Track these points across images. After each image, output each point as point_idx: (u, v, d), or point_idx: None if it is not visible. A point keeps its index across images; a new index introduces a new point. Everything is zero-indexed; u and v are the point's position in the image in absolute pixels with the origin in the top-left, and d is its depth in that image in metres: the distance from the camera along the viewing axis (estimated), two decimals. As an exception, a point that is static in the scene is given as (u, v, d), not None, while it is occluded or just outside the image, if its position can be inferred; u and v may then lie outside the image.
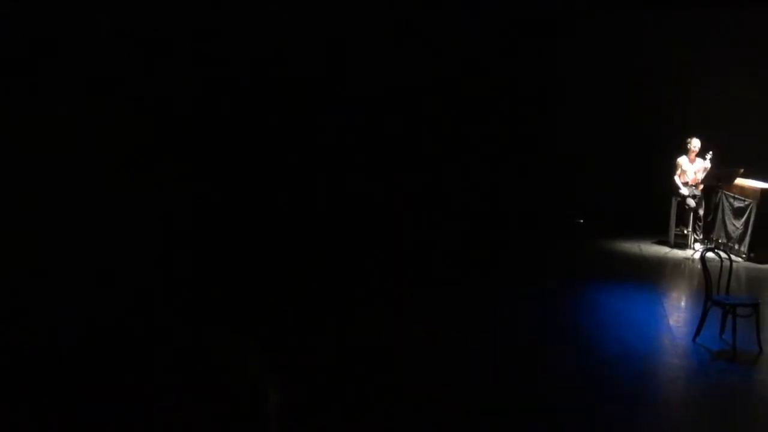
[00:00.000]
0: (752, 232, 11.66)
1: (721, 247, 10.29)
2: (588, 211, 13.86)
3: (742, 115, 13.22)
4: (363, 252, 10.98)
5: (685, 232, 12.46)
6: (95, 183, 8.49)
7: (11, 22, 7.92)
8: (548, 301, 9.38)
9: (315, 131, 12.07)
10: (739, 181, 12.06)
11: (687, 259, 11.83)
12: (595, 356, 7.64)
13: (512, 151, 13.76)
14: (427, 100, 13.05)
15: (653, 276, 10.91)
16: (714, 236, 12.41)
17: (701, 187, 12.24)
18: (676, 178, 12.37)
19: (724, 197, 12.34)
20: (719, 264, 8.04)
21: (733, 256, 9.01)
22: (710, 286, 7.99)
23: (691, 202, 12.21)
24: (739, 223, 11.94)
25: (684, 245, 12.36)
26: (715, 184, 12.25)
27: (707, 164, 12.07)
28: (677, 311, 9.27)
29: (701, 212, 12.33)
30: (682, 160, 12.35)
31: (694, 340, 8.00)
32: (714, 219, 12.49)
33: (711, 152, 11.99)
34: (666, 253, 12.22)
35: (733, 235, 12.07)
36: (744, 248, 11.75)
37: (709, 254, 8.34)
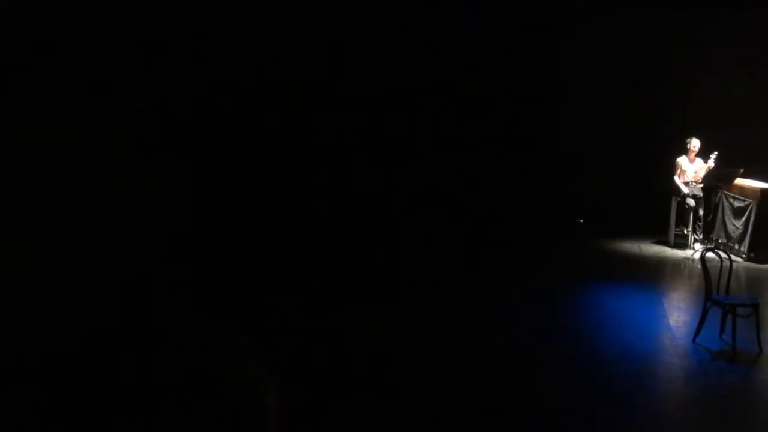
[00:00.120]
0: (752, 232, 11.66)
1: (721, 247, 10.29)
2: (588, 211, 13.86)
3: (742, 115, 13.22)
4: (363, 252, 10.97)
5: (685, 232, 12.46)
6: (95, 183, 8.49)
7: (11, 22, 7.92)
8: (548, 301, 9.38)
9: (315, 131, 12.06)
10: (739, 181, 12.07)
11: (687, 259, 11.83)
12: (595, 356, 7.64)
13: (512, 151, 13.76)
14: (427, 100, 13.05)
15: (653, 276, 10.91)
16: (714, 236, 12.41)
17: (701, 183, 12.22)
18: (676, 178, 12.37)
19: (724, 197, 12.35)
20: (719, 264, 8.04)
21: (733, 256, 9.01)
22: (710, 286, 7.99)
23: (691, 202, 12.21)
24: (739, 223, 11.94)
25: (684, 245, 12.36)
26: (715, 184, 12.25)
27: (711, 163, 12.07)
28: (677, 311, 9.27)
29: (701, 212, 12.33)
30: (682, 160, 12.36)
31: (693, 340, 8.00)
32: (714, 219, 12.49)
33: (716, 152, 11.99)
34: (666, 253, 12.23)
35: (733, 235, 12.07)
36: (744, 248, 11.75)
37: (709, 254, 8.34)
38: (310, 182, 11.92)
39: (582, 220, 13.96)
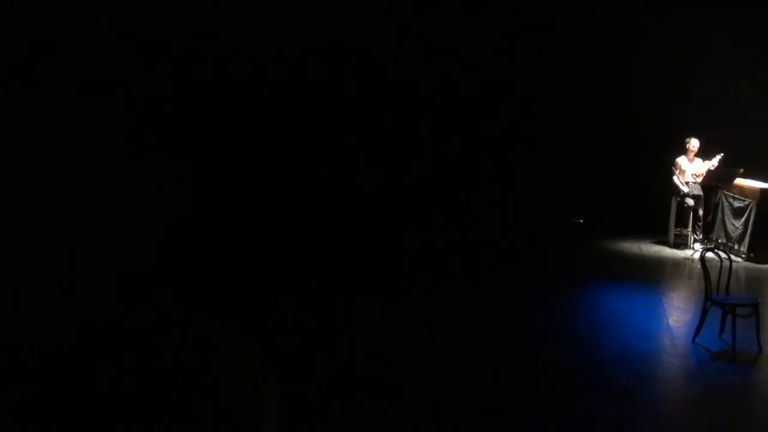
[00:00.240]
0: (752, 232, 11.67)
1: (721, 247, 10.29)
2: (588, 211, 13.86)
3: (742, 115, 13.22)
4: (363, 252, 10.97)
5: (684, 232, 12.46)
6: (95, 183, 8.49)
7: (11, 22, 7.92)
8: (548, 301, 9.38)
9: (315, 130, 12.06)
10: (739, 181, 12.07)
11: (687, 259, 11.83)
12: (595, 356, 7.64)
13: (512, 151, 13.76)
14: (427, 99, 13.06)
15: (653, 276, 10.91)
16: (714, 236, 12.41)
17: (703, 175, 12.21)
18: (675, 178, 12.38)
19: (723, 197, 12.35)
20: (719, 264, 8.04)
21: (732, 256, 9.01)
22: (710, 286, 7.99)
23: (690, 202, 12.22)
24: (739, 223, 11.94)
25: (684, 245, 12.36)
26: (714, 184, 12.26)
27: (715, 162, 12.06)
28: (677, 311, 9.27)
29: (701, 212, 12.34)
30: (681, 160, 12.37)
31: (693, 340, 8.00)
32: (714, 219, 12.49)
33: (722, 154, 11.98)
34: (666, 253, 12.23)
35: (732, 235, 12.07)
36: (744, 248, 11.75)
37: (709, 254, 8.34)
38: (309, 182, 11.92)
39: (582, 220, 13.97)
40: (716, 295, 8.00)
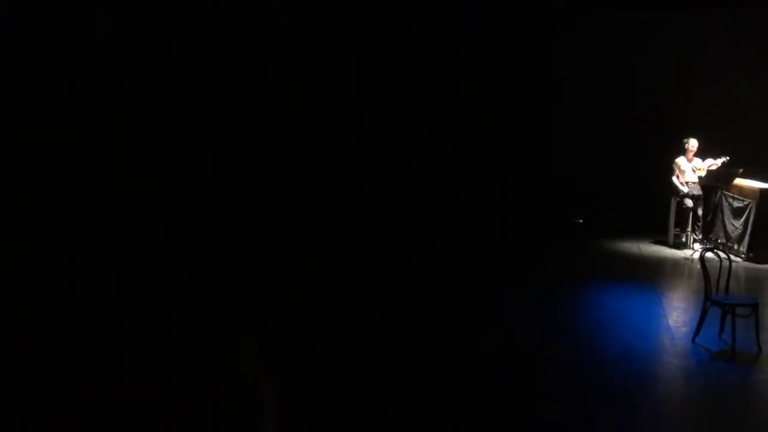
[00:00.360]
0: (751, 232, 11.67)
1: (721, 247, 10.30)
2: (588, 211, 13.87)
3: (742, 115, 13.23)
4: (363, 252, 10.98)
5: (683, 239, 12.44)
6: (95, 183, 8.49)
7: (11, 22, 7.92)
8: (548, 301, 9.38)
9: (314, 131, 12.07)
10: (739, 181, 12.07)
11: (686, 259, 11.84)
12: (595, 356, 7.65)
13: (512, 150, 13.76)
14: (427, 99, 13.05)
15: (653, 276, 10.92)
16: (713, 236, 12.41)
17: (704, 170, 12.21)
18: (675, 178, 12.38)
19: (723, 197, 12.36)
20: (718, 264, 8.04)
21: (732, 256, 9.02)
22: (709, 286, 8.00)
23: (689, 203, 12.23)
24: (739, 223, 11.95)
25: (683, 245, 12.37)
26: (714, 184, 12.26)
27: (718, 162, 12.07)
28: (676, 311, 9.28)
29: (700, 212, 12.35)
30: (680, 161, 12.37)
31: (693, 340, 8.00)
32: (713, 219, 12.50)
33: (727, 158, 11.98)
34: (665, 253, 12.24)
35: (732, 235, 12.08)
36: (743, 248, 11.76)
37: (709, 254, 8.34)
38: (309, 181, 11.92)
39: (582, 220, 13.97)
40: (716, 295, 8.01)
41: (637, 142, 13.61)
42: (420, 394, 6.58)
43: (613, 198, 13.49)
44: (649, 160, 13.16)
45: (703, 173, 12.25)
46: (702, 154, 12.35)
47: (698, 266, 8.67)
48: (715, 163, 12.12)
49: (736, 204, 12.06)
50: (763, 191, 11.65)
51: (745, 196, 11.90)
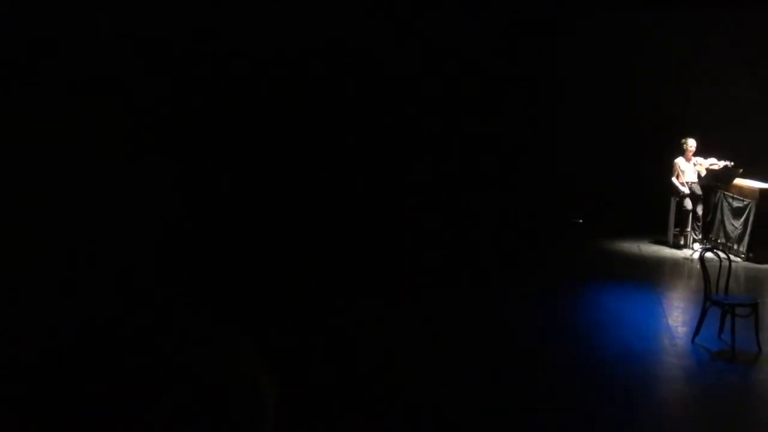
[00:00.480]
0: (751, 232, 11.67)
1: (720, 247, 10.29)
2: (588, 211, 13.87)
3: (742, 115, 13.22)
4: (363, 252, 10.98)
5: (682, 242, 12.45)
6: (95, 183, 8.49)
7: (11, 22, 7.92)
8: (548, 301, 9.38)
9: (314, 131, 12.07)
10: (738, 181, 12.07)
11: (686, 259, 11.84)
12: (595, 356, 7.65)
13: (512, 150, 13.76)
14: (427, 99, 13.06)
15: (652, 276, 10.92)
16: (713, 236, 12.41)
17: (705, 167, 12.21)
18: (674, 179, 12.38)
19: (723, 197, 12.35)
20: (718, 264, 8.04)
21: (732, 256, 9.01)
22: (709, 286, 7.99)
23: (688, 205, 12.24)
24: (738, 223, 11.94)
25: (683, 245, 12.37)
26: (714, 184, 12.26)
27: (721, 163, 12.07)
28: (676, 311, 9.28)
29: (700, 212, 12.35)
30: (679, 161, 12.38)
31: (693, 340, 8.00)
32: (713, 219, 12.50)
33: (732, 163, 11.98)
34: (665, 253, 12.24)
35: (732, 235, 12.08)
36: (743, 248, 11.76)
37: (708, 254, 8.34)
38: (310, 181, 11.92)
39: (582, 220, 13.97)
40: (715, 295, 8.01)
41: (637, 142, 13.61)
42: (420, 394, 6.58)
43: (613, 198, 13.48)
44: (649, 160, 13.16)
45: (702, 169, 12.25)
46: (702, 154, 12.35)
47: (698, 266, 8.67)
48: (717, 164, 12.12)
49: (735, 204, 12.06)
50: (763, 191, 11.65)
51: (745, 196, 11.89)
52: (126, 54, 9.05)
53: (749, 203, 11.76)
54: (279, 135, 11.66)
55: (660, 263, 11.75)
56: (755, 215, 11.59)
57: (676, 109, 13.63)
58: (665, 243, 12.59)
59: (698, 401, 6.91)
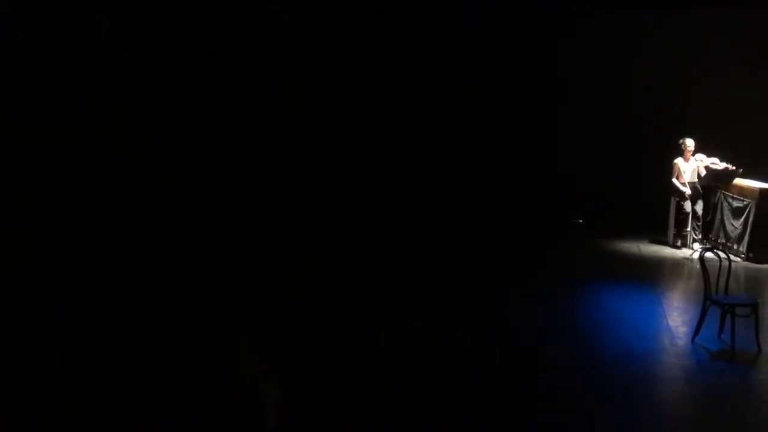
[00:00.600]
0: (751, 231, 11.67)
1: (720, 247, 10.29)
2: (588, 211, 13.87)
3: (742, 115, 13.22)
4: (362, 252, 10.98)
5: (678, 242, 12.45)
6: (95, 183, 8.49)
7: (11, 22, 7.92)
8: (548, 301, 9.38)
9: (314, 131, 12.07)
10: (738, 181, 12.07)
11: (686, 259, 11.84)
12: (595, 356, 7.65)
13: (512, 150, 13.76)
14: (427, 99, 13.06)
15: (652, 276, 10.92)
16: (713, 236, 12.41)
17: (705, 166, 12.21)
18: (675, 180, 12.38)
19: (723, 197, 12.35)
20: (718, 264, 8.04)
21: (731, 256, 9.01)
22: (709, 285, 7.99)
23: (688, 207, 12.25)
24: (738, 223, 11.95)
25: (683, 245, 12.37)
26: (713, 184, 12.26)
27: (720, 165, 12.08)
28: (676, 311, 9.28)
29: (700, 212, 12.35)
30: (679, 162, 12.38)
31: (693, 340, 8.00)
32: (713, 219, 12.50)
33: (733, 167, 11.98)
34: (665, 253, 12.24)
35: (732, 235, 12.08)
36: (743, 248, 11.76)
37: (708, 254, 8.34)
38: (310, 181, 11.92)
39: (582, 220, 13.97)
40: (715, 295, 8.01)
41: (637, 142, 13.61)
42: (420, 394, 6.58)
43: (613, 198, 13.48)
44: (649, 160, 13.15)
45: (702, 166, 12.24)
46: (703, 153, 12.35)
47: (698, 266, 8.67)
48: (717, 164, 12.12)
49: (735, 204, 12.06)
50: (763, 191, 11.65)
51: (745, 196, 11.89)
52: (126, 54, 9.05)
53: (749, 203, 11.76)
54: (279, 135, 11.66)
55: (660, 263, 11.75)
56: (755, 215, 11.59)
57: (676, 109, 13.63)
58: (665, 243, 12.59)
59: (698, 401, 6.91)
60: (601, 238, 12.97)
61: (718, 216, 12.41)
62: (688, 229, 12.35)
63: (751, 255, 11.62)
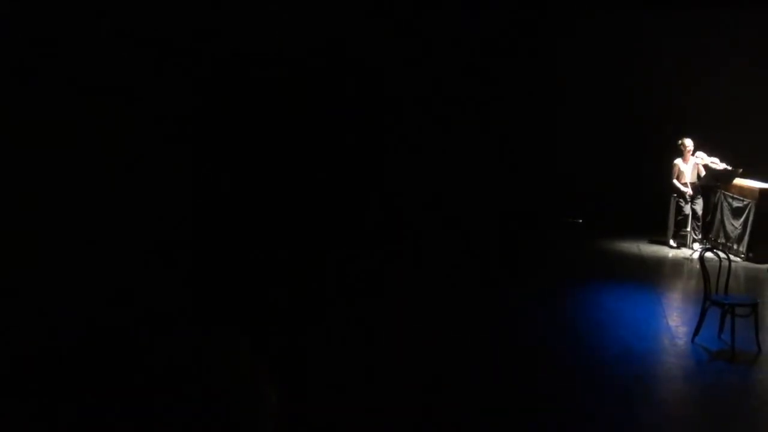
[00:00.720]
0: (751, 231, 11.67)
1: (720, 247, 10.30)
2: (588, 211, 13.87)
3: (741, 115, 13.23)
4: (362, 252, 10.98)
5: (674, 243, 12.45)
6: (95, 183, 8.49)
7: (11, 22, 7.92)
8: (548, 301, 9.38)
9: (315, 131, 12.07)
10: (738, 181, 12.08)
11: (686, 259, 11.84)
12: (595, 356, 7.65)
13: (512, 151, 13.77)
14: (427, 99, 13.06)
15: (652, 276, 10.92)
16: (713, 236, 12.42)
17: (705, 165, 12.21)
18: (675, 181, 12.38)
19: (723, 197, 12.36)
20: (718, 264, 8.05)
21: (731, 256, 9.02)
22: (709, 285, 8.00)
23: (687, 209, 12.25)
24: (738, 223, 11.95)
25: (683, 245, 12.38)
26: (713, 184, 12.26)
27: (720, 166, 12.08)
28: (676, 311, 9.28)
29: (700, 212, 12.35)
30: (679, 162, 12.38)
31: (693, 339, 8.00)
32: (713, 219, 12.50)
33: (732, 168, 11.98)
34: (665, 253, 12.25)
35: (731, 234, 12.08)
36: (743, 248, 11.76)
37: (708, 254, 8.34)
38: (310, 182, 11.92)
39: (582, 220, 13.97)
40: (715, 295, 8.01)
41: (637, 142, 13.61)
42: (420, 394, 6.58)
43: (613, 198, 13.49)
44: (649, 160, 13.16)
45: (702, 164, 12.24)
46: (702, 152, 12.35)
47: (698, 266, 8.67)
48: (716, 164, 12.13)
49: (735, 204, 12.06)
50: (762, 191, 11.65)
51: (745, 196, 11.90)
52: (126, 54, 9.05)
53: (749, 203, 11.76)
54: (279, 135, 11.66)
55: (660, 263, 11.75)
56: (755, 215, 11.60)
57: (676, 109, 13.63)
58: (665, 243, 12.59)
59: (698, 401, 6.91)
60: (601, 238, 12.97)
61: (718, 216, 12.41)
62: (688, 229, 12.35)
63: (751, 255, 11.62)
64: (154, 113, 9.49)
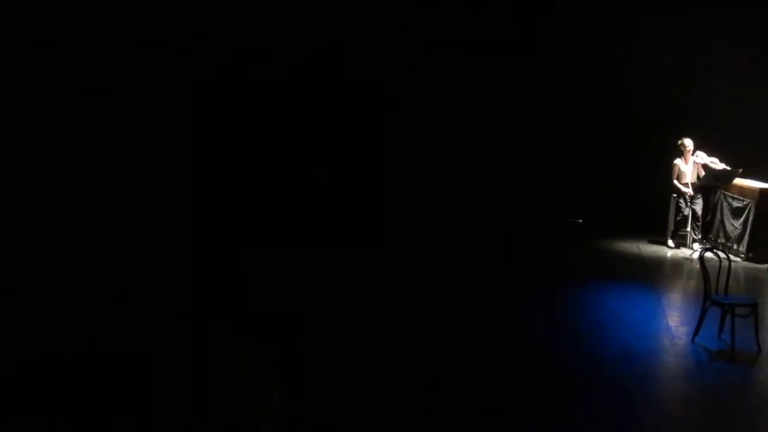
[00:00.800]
0: (751, 231, 11.67)
1: (720, 247, 10.30)
2: (588, 211, 13.87)
3: (741, 114, 13.23)
4: (363, 252, 10.97)
5: (672, 243, 12.45)
6: (95, 183, 8.49)
7: (11, 22, 7.92)
8: (548, 301, 9.39)
9: (314, 131, 12.07)
10: (738, 181, 12.07)
11: (686, 259, 11.84)
12: (595, 356, 7.65)
13: (512, 151, 13.76)
14: (427, 99, 13.06)
15: (652, 276, 10.92)
16: (713, 236, 12.42)
17: (704, 164, 12.22)
18: (676, 181, 12.38)
19: (722, 197, 12.36)
20: (718, 264, 8.05)
21: (731, 256, 9.02)
22: (709, 285, 8.00)
23: (686, 211, 12.25)
24: (738, 223, 11.95)
25: (682, 245, 12.38)
26: (713, 184, 12.26)
27: (720, 166, 12.08)
28: (676, 311, 9.28)
29: (699, 212, 12.35)
30: (679, 163, 12.37)
31: (693, 339, 8.00)
32: (713, 219, 12.50)
33: (730, 168, 11.99)
34: (665, 253, 12.25)
35: (731, 234, 12.08)
36: (743, 248, 11.76)
37: (708, 254, 8.34)
38: (310, 182, 11.92)
39: (582, 220, 13.97)
40: (715, 295, 8.01)
41: (637, 142, 13.61)
42: (420, 394, 6.58)
43: (613, 198, 13.49)
44: (649, 160, 13.16)
45: (702, 163, 12.25)
46: (702, 152, 12.35)
47: (698, 266, 8.67)
48: (716, 164, 12.13)
49: (735, 204, 12.06)
50: (762, 191, 11.65)
51: (745, 196, 11.90)
52: (126, 54, 9.05)
53: (749, 203, 11.76)
54: (279, 134, 11.66)
55: (660, 263, 11.75)
56: (755, 215, 11.60)
57: (676, 109, 13.63)
58: (665, 243, 12.59)
59: (698, 401, 6.91)
60: (601, 238, 12.97)
61: (718, 216, 12.41)
62: (688, 229, 12.35)
63: (750, 255, 11.62)
64: (154, 113, 9.49)
